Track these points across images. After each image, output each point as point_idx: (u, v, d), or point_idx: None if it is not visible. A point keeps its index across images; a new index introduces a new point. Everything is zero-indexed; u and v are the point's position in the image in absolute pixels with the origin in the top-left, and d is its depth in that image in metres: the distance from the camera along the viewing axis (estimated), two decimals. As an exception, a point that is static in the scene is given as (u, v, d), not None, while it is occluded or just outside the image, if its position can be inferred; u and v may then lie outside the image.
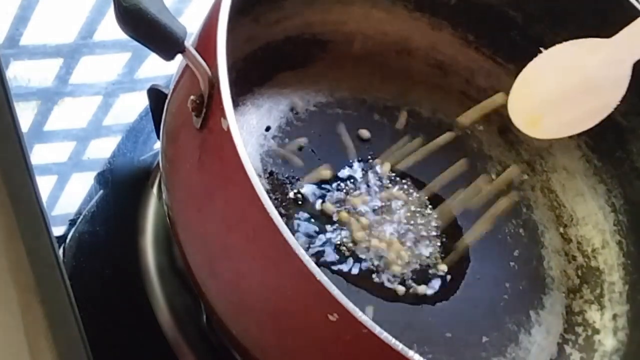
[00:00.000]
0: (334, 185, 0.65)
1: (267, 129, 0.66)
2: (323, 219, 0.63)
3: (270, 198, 0.47)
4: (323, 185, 0.65)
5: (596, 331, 0.66)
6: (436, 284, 0.64)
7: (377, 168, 0.67)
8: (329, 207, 0.64)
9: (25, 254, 0.63)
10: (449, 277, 0.64)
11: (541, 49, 0.63)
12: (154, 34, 0.49)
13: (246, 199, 0.45)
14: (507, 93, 0.65)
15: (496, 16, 0.70)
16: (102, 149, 0.67)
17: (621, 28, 0.61)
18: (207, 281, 0.52)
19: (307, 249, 0.60)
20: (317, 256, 0.61)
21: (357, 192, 0.65)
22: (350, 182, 0.66)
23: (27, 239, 0.63)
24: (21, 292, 0.61)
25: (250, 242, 0.47)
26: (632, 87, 0.62)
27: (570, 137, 0.71)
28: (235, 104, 0.48)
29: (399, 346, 0.42)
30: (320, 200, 0.64)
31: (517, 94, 0.63)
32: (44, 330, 0.59)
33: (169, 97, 0.56)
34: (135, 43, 0.50)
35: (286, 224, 0.44)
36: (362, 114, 0.71)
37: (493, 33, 0.71)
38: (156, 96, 0.61)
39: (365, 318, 0.42)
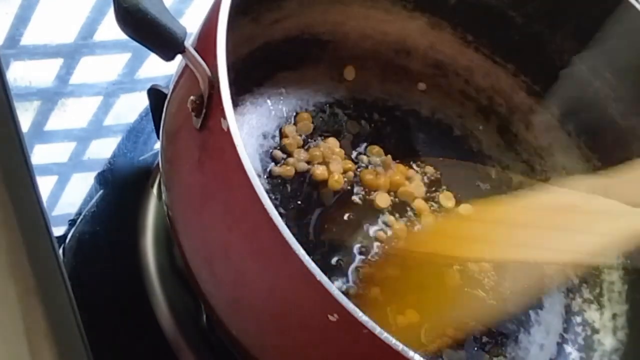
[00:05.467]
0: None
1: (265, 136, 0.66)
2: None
3: (270, 198, 0.47)
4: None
5: (596, 331, 0.66)
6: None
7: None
8: None
9: (25, 254, 0.62)
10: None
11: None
12: (153, 35, 0.49)
13: (246, 199, 0.45)
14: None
15: (495, 16, 0.70)
16: (103, 149, 0.67)
17: (620, 28, 0.61)
18: (207, 281, 0.52)
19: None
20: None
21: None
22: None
23: (27, 239, 0.63)
24: (21, 292, 0.61)
25: (250, 242, 0.47)
26: (632, 88, 0.62)
27: (569, 136, 0.71)
28: (235, 104, 0.49)
29: (399, 346, 0.42)
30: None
31: None
32: (44, 330, 0.59)
33: (168, 97, 0.56)
34: (136, 43, 0.50)
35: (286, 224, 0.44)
36: (362, 114, 0.71)
37: (492, 33, 0.71)
38: (156, 96, 0.61)
39: (365, 318, 0.42)
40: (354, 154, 0.68)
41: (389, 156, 0.68)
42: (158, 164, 0.65)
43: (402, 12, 0.72)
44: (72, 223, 0.63)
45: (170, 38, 0.49)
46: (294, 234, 0.43)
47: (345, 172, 0.66)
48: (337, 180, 0.65)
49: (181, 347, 0.59)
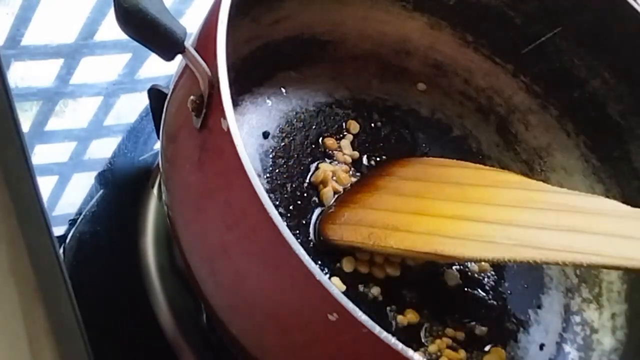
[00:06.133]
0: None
1: (265, 135, 0.66)
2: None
3: (270, 198, 0.47)
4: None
5: (595, 330, 0.66)
6: (436, 284, 0.64)
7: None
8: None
9: (26, 254, 0.63)
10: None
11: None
12: (154, 35, 0.49)
13: (246, 199, 0.45)
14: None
15: (495, 16, 0.70)
16: (103, 149, 0.68)
17: (619, 28, 0.61)
18: (206, 281, 0.52)
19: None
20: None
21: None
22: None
23: (28, 238, 0.63)
24: (22, 291, 0.61)
25: (250, 242, 0.47)
26: (630, 88, 0.62)
27: (568, 136, 0.71)
28: (235, 104, 0.49)
29: (399, 346, 0.42)
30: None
31: None
32: (44, 330, 0.59)
33: (168, 97, 0.56)
34: (136, 43, 0.50)
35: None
36: (362, 114, 0.71)
37: (492, 33, 0.72)
38: (157, 96, 0.61)
39: (365, 318, 0.42)
40: (354, 154, 0.68)
41: (389, 156, 0.68)
42: (158, 164, 0.65)
43: (402, 13, 0.72)
44: (72, 223, 0.63)
45: (170, 38, 0.50)
46: (294, 234, 0.43)
47: (344, 172, 0.66)
48: (337, 180, 0.65)
49: (181, 347, 0.59)
